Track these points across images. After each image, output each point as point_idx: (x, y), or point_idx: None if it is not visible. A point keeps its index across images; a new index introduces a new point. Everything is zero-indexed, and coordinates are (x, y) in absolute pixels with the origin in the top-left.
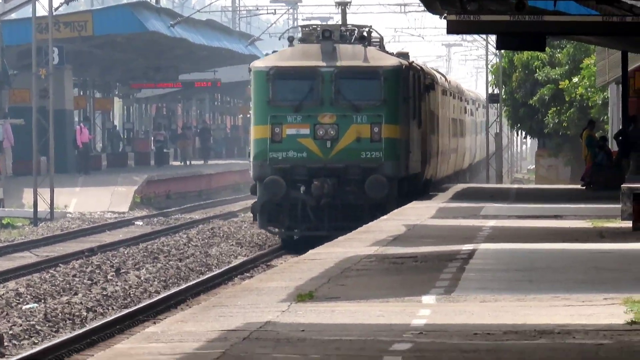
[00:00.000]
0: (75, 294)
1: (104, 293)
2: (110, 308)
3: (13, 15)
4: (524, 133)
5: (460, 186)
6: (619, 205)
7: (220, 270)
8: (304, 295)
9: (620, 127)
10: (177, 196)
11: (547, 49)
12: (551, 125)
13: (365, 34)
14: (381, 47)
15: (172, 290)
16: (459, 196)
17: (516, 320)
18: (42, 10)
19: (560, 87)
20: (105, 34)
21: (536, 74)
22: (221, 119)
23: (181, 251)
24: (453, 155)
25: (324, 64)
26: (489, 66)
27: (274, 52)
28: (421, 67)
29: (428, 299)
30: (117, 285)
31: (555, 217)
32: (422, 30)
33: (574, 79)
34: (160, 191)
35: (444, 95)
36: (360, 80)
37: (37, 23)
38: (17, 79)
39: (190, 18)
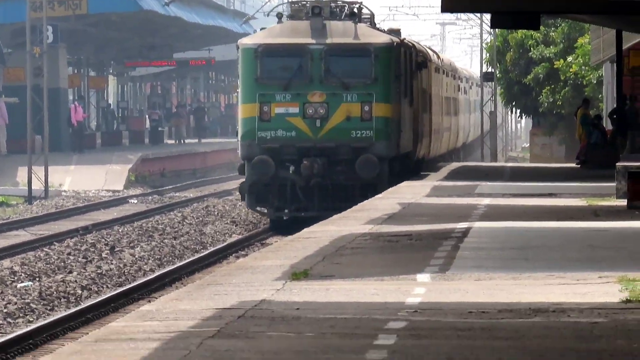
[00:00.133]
0: (70, 272)
1: (99, 271)
2: (104, 286)
3: None
4: (518, 111)
5: (454, 165)
6: (614, 184)
7: (215, 249)
8: (298, 273)
9: (615, 106)
10: (172, 174)
11: (541, 27)
12: (546, 104)
13: (355, 10)
14: (372, 23)
15: (167, 269)
16: (453, 175)
17: (511, 299)
18: None
19: (555, 66)
20: (100, 13)
21: (530, 53)
22: (215, 97)
23: (176, 229)
24: (446, 134)
25: (314, 41)
26: (484, 44)
27: (262, 29)
28: (413, 44)
29: (423, 277)
30: (111, 263)
31: (550, 195)
32: (416, 8)
33: (568, 58)
34: (154, 169)
35: (436, 73)
36: (350, 58)
37: (32, 1)
38: (11, 58)
39: None
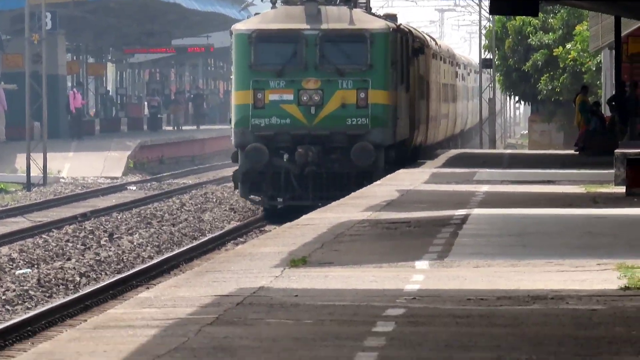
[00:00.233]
0: (69, 259)
1: (97, 258)
2: (103, 273)
3: None
4: (517, 98)
5: (453, 152)
6: (613, 171)
7: (214, 236)
8: (297, 260)
9: (614, 93)
10: (171, 161)
11: (540, 14)
12: (544, 91)
13: None
14: (367, 8)
15: (166, 256)
16: (452, 162)
17: (509, 286)
18: None
19: (554, 54)
20: None
21: (529, 40)
22: (214, 84)
23: (174, 216)
24: (444, 121)
25: (308, 26)
26: (483, 31)
27: (256, 14)
28: (410, 30)
29: (421, 264)
30: (110, 250)
31: (549, 182)
32: None
33: (567, 45)
34: (153, 156)
35: (434, 59)
36: (345, 44)
37: None
38: (10, 44)
39: None
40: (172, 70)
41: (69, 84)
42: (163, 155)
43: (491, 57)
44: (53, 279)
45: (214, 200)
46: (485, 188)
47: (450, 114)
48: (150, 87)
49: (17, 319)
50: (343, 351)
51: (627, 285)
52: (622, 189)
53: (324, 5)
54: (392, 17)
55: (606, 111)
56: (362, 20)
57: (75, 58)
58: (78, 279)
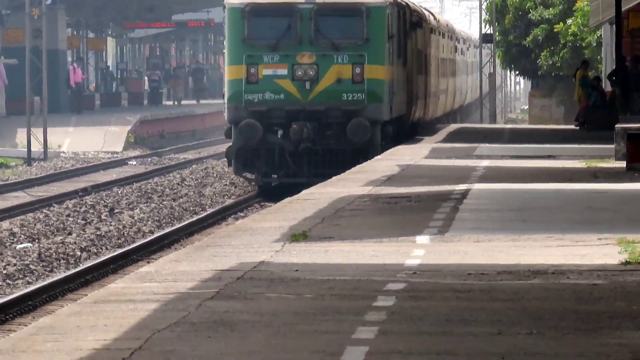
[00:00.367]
0: (69, 233)
1: (98, 233)
2: (104, 248)
3: None
4: (517, 73)
5: (453, 126)
6: (613, 146)
7: (214, 210)
8: (297, 235)
9: (614, 68)
10: (171, 136)
11: None
12: (545, 66)
13: None
14: None
15: (166, 230)
16: (452, 136)
17: (510, 261)
18: None
19: (555, 30)
20: None
21: (530, 15)
22: (214, 58)
23: (175, 191)
24: (442, 96)
25: (303, 0)
26: (483, 5)
27: None
28: (407, 4)
29: (422, 239)
30: (110, 225)
31: (549, 157)
32: None
33: (568, 21)
34: (153, 131)
35: (432, 33)
36: (341, 18)
37: None
38: (10, 19)
39: None
40: (173, 45)
41: (69, 59)
42: (163, 130)
43: (491, 32)
44: (54, 254)
45: (215, 175)
46: (485, 163)
47: (449, 89)
48: (151, 61)
49: (17, 293)
50: (343, 326)
51: (627, 260)
52: (622, 164)
53: None
54: None
55: (607, 86)
56: None
57: (75, 33)
58: (79, 253)
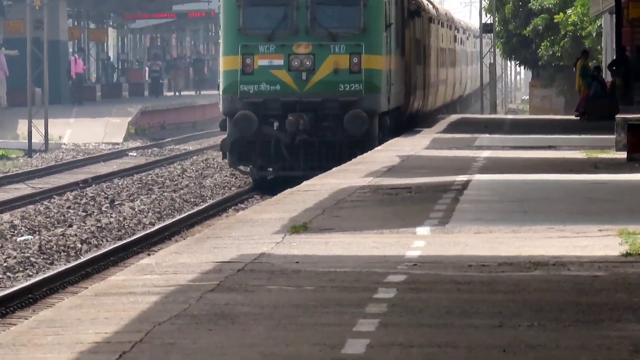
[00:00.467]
0: (70, 225)
1: (99, 225)
2: (104, 240)
3: None
4: (517, 63)
5: (453, 117)
6: (613, 136)
7: (215, 201)
8: (298, 226)
9: (615, 57)
10: (172, 127)
11: None
12: (545, 56)
13: None
14: None
15: (167, 222)
16: (452, 127)
17: (511, 252)
18: None
19: (555, 20)
20: None
21: (530, 4)
22: (215, 49)
23: (175, 182)
24: (442, 86)
25: None
26: None
27: None
28: None
29: (422, 230)
30: (111, 216)
31: (550, 147)
32: None
33: (568, 11)
34: (154, 122)
35: (431, 22)
36: (338, 7)
37: None
38: (11, 10)
39: None
40: (174, 35)
41: (70, 50)
42: (164, 121)
43: (492, 21)
44: (54, 246)
45: (215, 166)
46: (486, 154)
47: (448, 79)
48: (152, 52)
49: (18, 286)
50: (344, 318)
51: (628, 251)
52: (623, 155)
53: None
54: None
55: (607, 76)
56: None
57: (76, 24)
58: (79, 245)
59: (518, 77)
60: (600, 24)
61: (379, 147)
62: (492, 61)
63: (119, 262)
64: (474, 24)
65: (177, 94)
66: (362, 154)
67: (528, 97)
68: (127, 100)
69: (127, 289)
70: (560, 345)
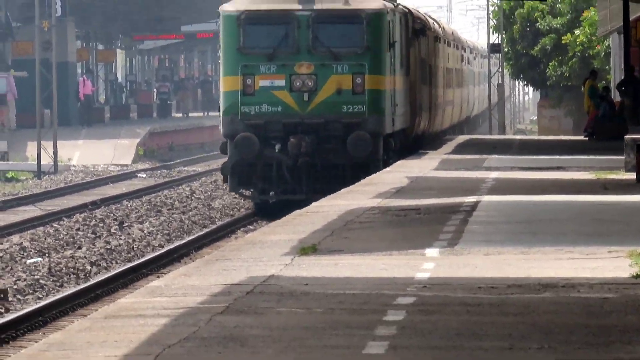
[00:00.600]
0: (79, 247)
1: (108, 247)
2: (114, 262)
3: None
4: (525, 83)
5: (461, 138)
6: (623, 157)
7: (223, 223)
8: (307, 248)
9: (623, 77)
10: (180, 148)
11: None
12: (553, 76)
13: None
14: None
15: (176, 244)
16: (460, 148)
17: (520, 274)
18: None
19: (562, 41)
20: None
21: (537, 24)
22: None
23: (184, 204)
24: (449, 107)
25: (300, 7)
26: (490, 14)
27: None
28: (409, 10)
29: (431, 252)
30: (120, 238)
31: (559, 168)
32: None
33: (575, 32)
34: (163, 143)
35: (437, 42)
36: (340, 25)
37: None
38: (20, 32)
39: None
40: (182, 56)
41: (79, 71)
42: (173, 143)
43: (499, 41)
44: (64, 268)
45: (224, 187)
46: (494, 174)
47: (455, 100)
48: (160, 73)
49: (28, 309)
50: (353, 340)
51: (638, 273)
52: (632, 176)
53: None
54: None
55: (616, 96)
56: (358, 0)
57: (84, 45)
58: (89, 267)
59: (526, 97)
60: (609, 44)
61: (388, 169)
62: (500, 81)
63: (128, 285)
64: (482, 43)
65: (185, 115)
66: (366, 176)
67: (536, 117)
68: (136, 122)
69: (136, 311)
70: None
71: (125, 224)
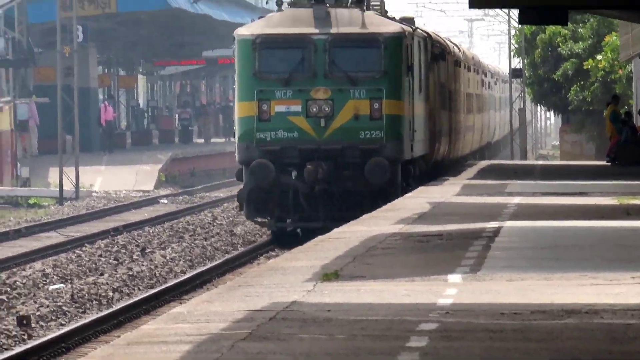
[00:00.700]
0: (102, 274)
1: (130, 273)
2: (136, 288)
3: None
4: (547, 108)
5: (483, 163)
6: None
7: (246, 249)
8: (329, 274)
9: None
10: (202, 174)
11: (569, 24)
12: (575, 101)
13: None
14: (382, 11)
15: (198, 270)
16: (482, 173)
17: (543, 300)
18: None
19: (584, 66)
20: (129, 11)
21: (559, 49)
22: None
23: (206, 230)
24: (469, 133)
25: (317, 30)
26: (512, 33)
27: (260, 17)
28: (428, 34)
29: (454, 277)
30: (142, 265)
31: (581, 194)
32: (443, 4)
33: (597, 57)
34: (184, 169)
35: (456, 66)
36: (357, 49)
37: (62, 1)
38: (41, 58)
39: None
40: (203, 81)
41: (100, 97)
42: (194, 168)
43: (521, 65)
44: (86, 294)
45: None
46: (517, 200)
47: (476, 125)
48: (181, 99)
49: (51, 335)
50: None
51: None
52: None
53: (333, 8)
54: (409, 20)
55: (638, 121)
56: (375, 24)
57: (106, 70)
58: (111, 294)
59: (548, 122)
60: (631, 69)
61: (409, 194)
62: (521, 106)
63: (150, 311)
64: (503, 68)
65: (206, 140)
66: (384, 204)
67: (558, 142)
68: (157, 148)
69: (159, 337)
70: None
71: (148, 250)
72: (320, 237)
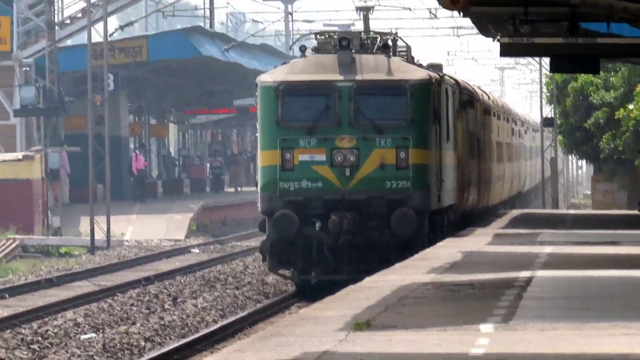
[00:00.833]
0: (133, 323)
1: (162, 322)
2: (167, 337)
3: (69, 42)
4: (578, 157)
5: (515, 212)
6: None
7: (277, 299)
8: (361, 323)
9: None
10: (233, 223)
11: (601, 72)
12: (606, 150)
13: (389, 42)
14: (408, 57)
15: (230, 319)
16: (514, 222)
17: (575, 350)
18: (97, 37)
19: (615, 117)
20: (160, 59)
21: (591, 98)
22: None
23: (238, 279)
24: (499, 182)
25: (342, 77)
26: (543, 89)
27: (283, 63)
28: (457, 81)
29: (486, 327)
30: (174, 314)
31: (613, 243)
32: (475, 53)
33: (629, 106)
34: (215, 218)
35: (486, 114)
36: (382, 97)
37: (93, 49)
38: (72, 106)
39: (244, 42)
40: (234, 130)
41: (132, 146)
42: (225, 217)
43: (552, 114)
44: (118, 344)
45: None
46: (548, 249)
47: (506, 175)
48: (212, 147)
49: None
50: None
51: None
52: None
53: (358, 54)
54: (437, 67)
55: None
56: (402, 70)
57: (137, 119)
58: (143, 343)
59: (580, 171)
60: None
61: (441, 243)
62: (553, 155)
63: None
64: (534, 116)
65: (237, 189)
66: (410, 255)
67: (590, 191)
68: (189, 196)
69: None
70: None
71: (179, 300)
72: (351, 287)
